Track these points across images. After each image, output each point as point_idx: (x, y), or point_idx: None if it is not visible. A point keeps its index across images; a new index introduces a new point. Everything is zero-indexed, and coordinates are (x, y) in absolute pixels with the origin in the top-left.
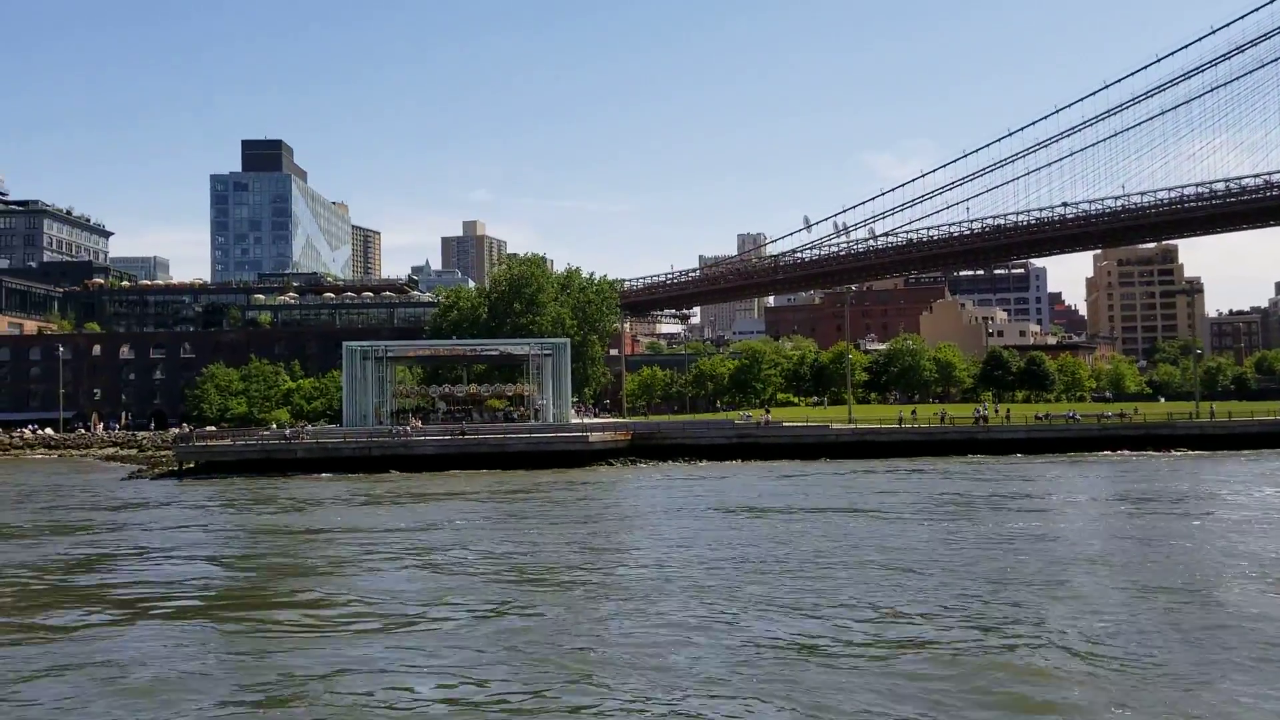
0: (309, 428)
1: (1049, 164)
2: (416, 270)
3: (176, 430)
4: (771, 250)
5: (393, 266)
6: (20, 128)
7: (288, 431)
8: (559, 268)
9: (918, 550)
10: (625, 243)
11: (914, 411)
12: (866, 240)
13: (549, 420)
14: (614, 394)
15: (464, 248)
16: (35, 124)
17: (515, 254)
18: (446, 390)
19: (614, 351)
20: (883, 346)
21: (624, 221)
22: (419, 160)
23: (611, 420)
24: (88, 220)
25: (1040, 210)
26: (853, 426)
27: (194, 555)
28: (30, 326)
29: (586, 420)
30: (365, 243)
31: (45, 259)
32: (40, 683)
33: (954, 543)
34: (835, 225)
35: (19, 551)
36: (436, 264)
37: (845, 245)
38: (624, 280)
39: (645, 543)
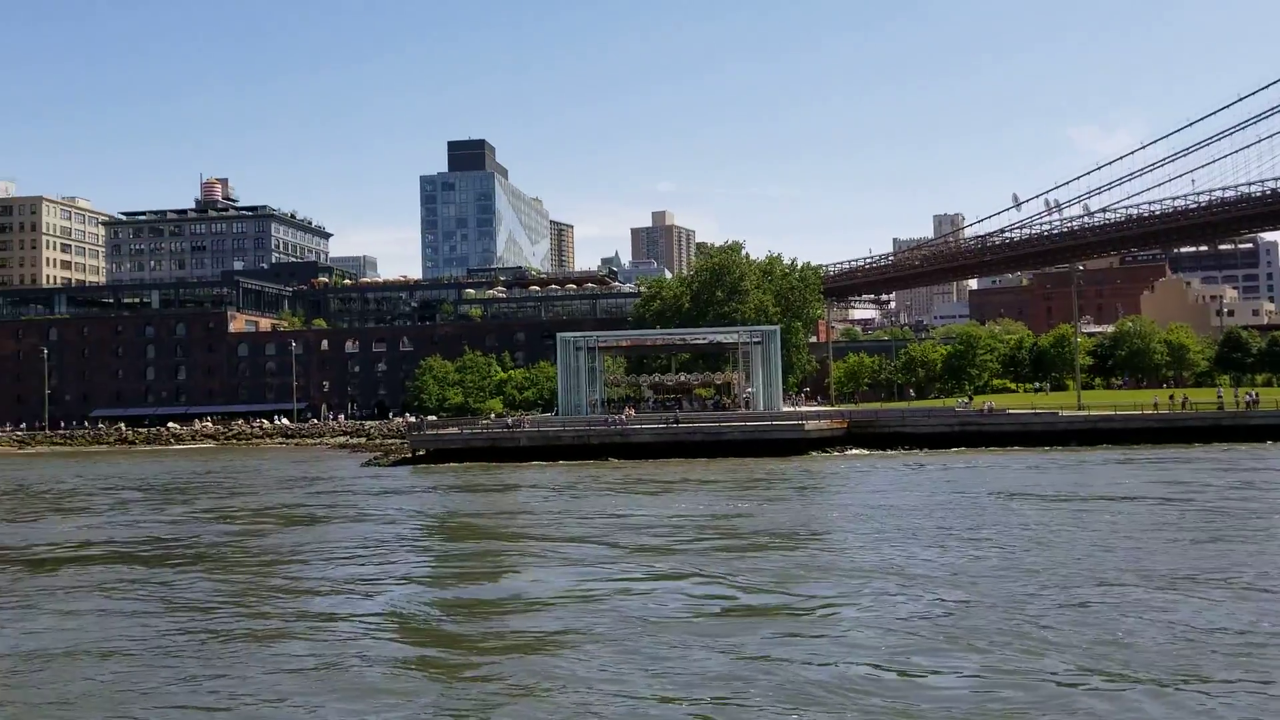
0: (528, 417)
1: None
2: (606, 261)
3: (400, 420)
4: (970, 231)
5: (585, 259)
6: (247, 138)
7: (510, 420)
8: (752, 256)
9: None
10: (813, 228)
11: (1171, 397)
12: (1080, 217)
13: (758, 408)
14: (816, 381)
15: (653, 238)
16: (261, 134)
17: (704, 243)
18: (657, 379)
19: (811, 338)
20: (1107, 329)
21: (811, 207)
22: (605, 153)
23: (824, 408)
24: (310, 223)
25: (1277, 179)
26: (1084, 413)
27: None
28: (265, 324)
29: (801, 408)
30: (559, 236)
31: (273, 260)
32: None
33: None
34: (1046, 203)
35: (340, 531)
36: (626, 255)
37: (1058, 223)
38: (821, 266)
39: (990, 526)
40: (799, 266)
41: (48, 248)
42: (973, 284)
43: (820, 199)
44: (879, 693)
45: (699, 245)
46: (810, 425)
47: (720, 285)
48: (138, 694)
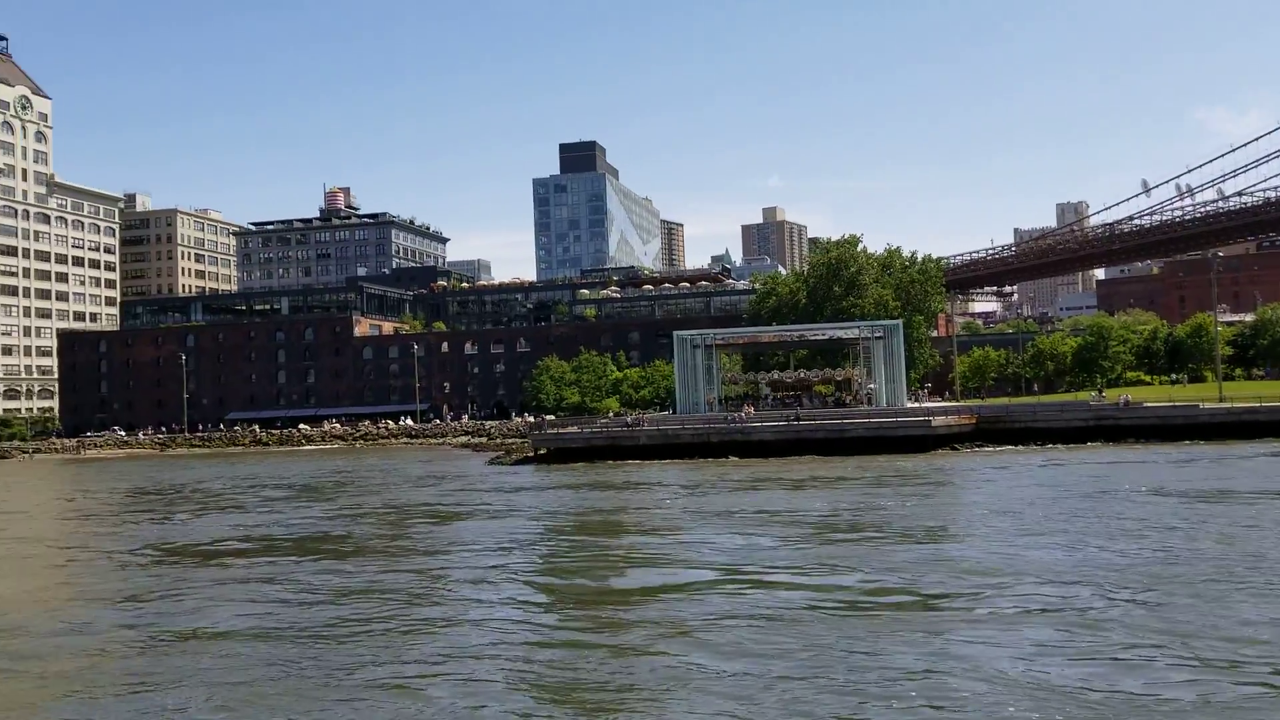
0: (646, 415)
1: None
2: (716, 259)
3: (519, 420)
4: (1096, 219)
5: (695, 257)
6: (367, 147)
7: (629, 419)
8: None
9: None
10: (929, 222)
11: None
12: (1214, 202)
13: (881, 404)
14: (939, 377)
15: (764, 234)
16: (380, 142)
17: (816, 238)
18: (775, 376)
19: (931, 333)
20: (1245, 317)
21: (925, 198)
22: (712, 151)
23: (950, 404)
24: (428, 228)
25: None
26: (1226, 405)
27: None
28: (387, 328)
29: (925, 404)
30: (669, 235)
31: (394, 265)
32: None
33: None
34: (1177, 188)
35: (490, 526)
36: (736, 252)
37: (1190, 208)
38: (943, 258)
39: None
40: (919, 259)
41: (183, 258)
42: (1099, 274)
43: (935, 191)
44: (1087, 694)
45: (812, 240)
46: (938, 421)
47: (838, 280)
48: (324, 674)
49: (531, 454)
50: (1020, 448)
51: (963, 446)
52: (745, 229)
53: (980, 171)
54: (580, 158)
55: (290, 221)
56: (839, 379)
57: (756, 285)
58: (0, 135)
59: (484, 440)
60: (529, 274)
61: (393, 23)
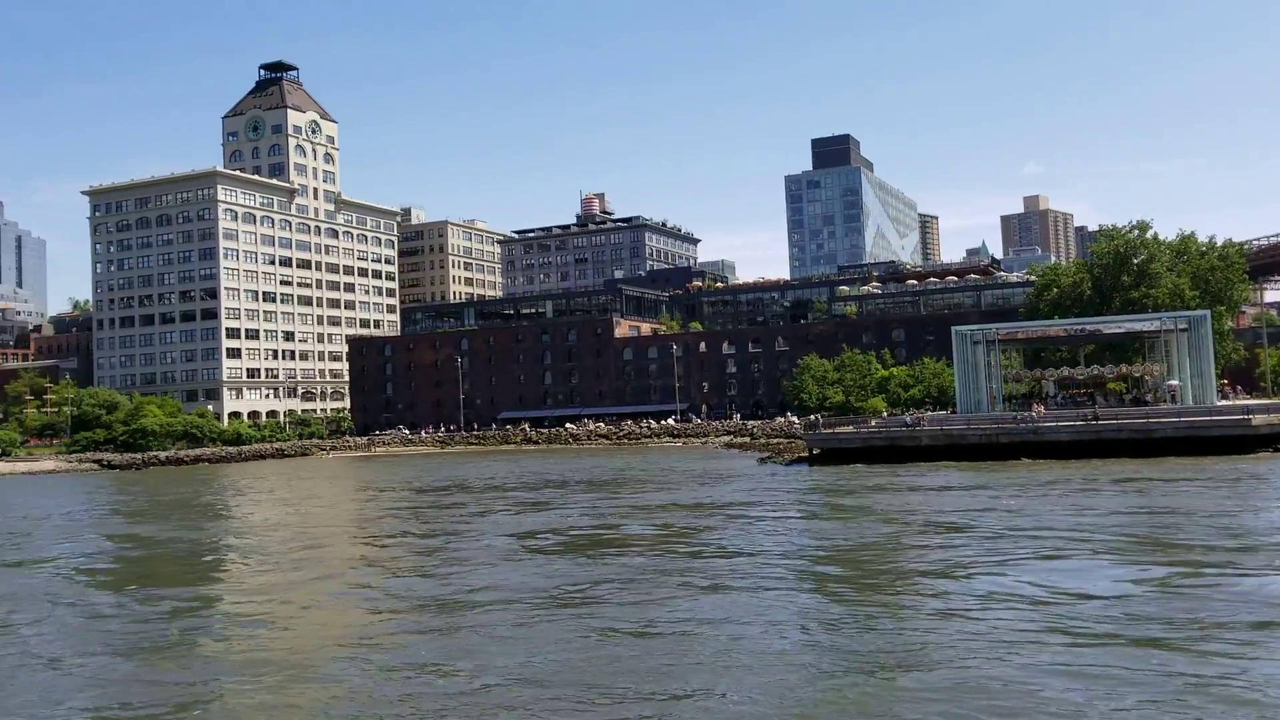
0: (926, 415)
1: None
2: (971, 252)
3: (781, 419)
4: None
5: (950, 250)
6: (620, 153)
7: (908, 419)
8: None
9: None
10: (1209, 204)
11: None
12: None
13: (1186, 402)
14: (1243, 372)
15: (1026, 224)
16: (633, 147)
17: (1084, 226)
18: (1065, 373)
19: (1228, 324)
20: None
21: (1203, 180)
22: (964, 140)
23: (1267, 401)
24: (679, 230)
25: None
26: None
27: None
28: (645, 329)
29: (1238, 401)
30: (923, 228)
31: (649, 268)
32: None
33: None
34: None
35: (823, 526)
36: (994, 244)
37: None
38: (1245, 242)
39: None
40: (1218, 244)
41: (453, 266)
42: None
43: (1213, 171)
44: None
45: (1079, 229)
46: (1259, 420)
47: (1125, 269)
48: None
49: (805, 454)
50: None
51: None
52: (1005, 219)
53: (1267, 147)
54: (833, 152)
55: (549, 228)
56: (1139, 374)
57: (1032, 277)
58: (294, 158)
59: (747, 440)
60: (775, 273)
61: (639, 29)
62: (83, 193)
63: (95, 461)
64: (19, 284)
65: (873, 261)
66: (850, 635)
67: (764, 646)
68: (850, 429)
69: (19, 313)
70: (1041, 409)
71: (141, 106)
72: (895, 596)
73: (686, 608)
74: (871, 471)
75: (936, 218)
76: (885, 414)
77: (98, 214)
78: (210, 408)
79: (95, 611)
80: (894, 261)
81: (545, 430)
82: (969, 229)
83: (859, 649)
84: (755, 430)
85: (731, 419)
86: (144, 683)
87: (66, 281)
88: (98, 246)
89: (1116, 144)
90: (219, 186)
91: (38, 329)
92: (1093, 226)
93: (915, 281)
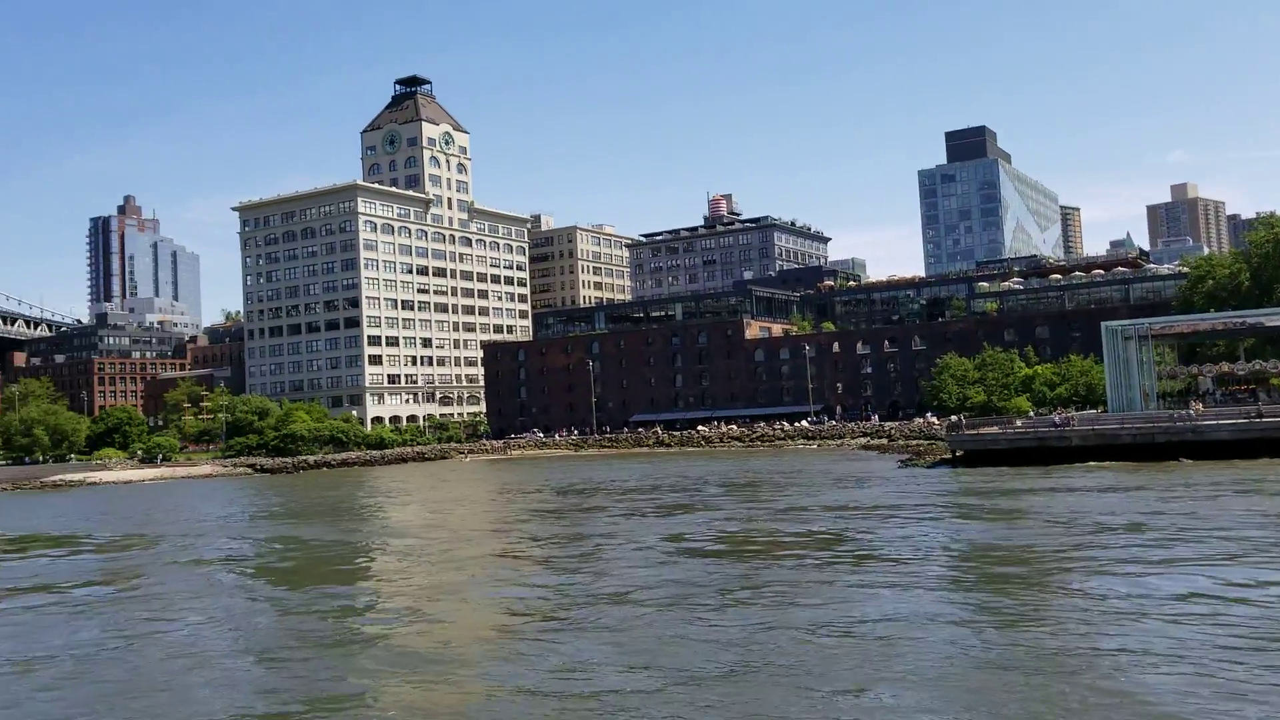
0: (1074, 414)
1: None
2: (1115, 245)
3: (920, 420)
4: None
5: (1092, 243)
6: (746, 153)
7: (1056, 418)
8: None
9: None
10: None
11: None
12: None
13: None
14: None
15: (1173, 214)
16: (759, 147)
17: (1236, 214)
18: (1225, 368)
19: None
20: None
21: None
22: (1105, 129)
23: None
24: (809, 229)
25: None
26: None
27: None
28: (776, 330)
29: None
30: (1065, 220)
31: (778, 268)
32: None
33: None
34: None
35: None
36: (1138, 235)
37: None
38: None
39: None
40: None
41: (583, 270)
42: None
43: None
44: None
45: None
46: None
47: None
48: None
49: (948, 456)
50: None
51: None
52: (1151, 209)
53: None
54: (968, 145)
55: (677, 231)
56: None
57: (1184, 269)
58: (429, 169)
59: (885, 441)
60: (909, 270)
61: (763, 28)
62: (233, 209)
63: (249, 466)
64: (175, 297)
65: (1013, 256)
66: (1034, 636)
67: (939, 649)
68: (995, 430)
69: (176, 325)
70: (1200, 406)
71: (286, 123)
72: (1077, 599)
73: (854, 609)
74: (1020, 473)
75: (1078, 210)
76: (1032, 414)
77: (247, 229)
78: (354, 413)
79: (258, 609)
80: (1035, 256)
81: (677, 433)
82: (1112, 220)
83: (1040, 650)
84: (893, 431)
85: (869, 420)
86: (303, 678)
87: (219, 294)
88: (247, 260)
89: (1269, 127)
90: (359, 199)
91: (193, 340)
92: (1247, 214)
93: (1059, 276)
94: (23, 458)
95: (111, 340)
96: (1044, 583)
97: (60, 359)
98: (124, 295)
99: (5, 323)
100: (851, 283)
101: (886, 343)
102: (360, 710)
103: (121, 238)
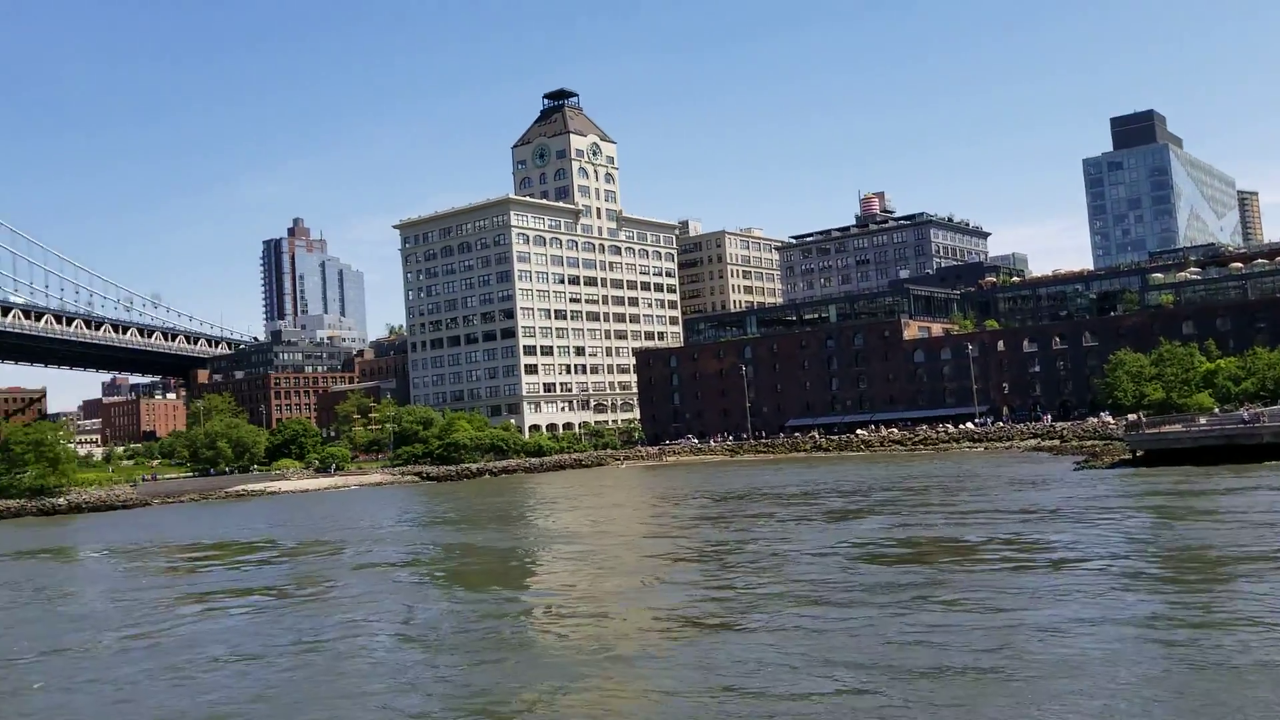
0: (1265, 410)
1: None
2: None
3: (1093, 420)
4: None
5: (1273, 228)
6: (898, 150)
7: (1245, 414)
8: None
9: None
10: None
11: None
12: None
13: None
14: None
15: None
16: (911, 143)
17: None
18: None
19: None
20: None
21: None
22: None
23: None
24: (967, 224)
25: None
26: None
27: None
28: (936, 329)
29: None
30: (1242, 205)
31: (935, 265)
32: None
33: None
34: None
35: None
36: None
37: None
38: None
39: None
40: None
41: (732, 275)
42: None
43: None
44: None
45: None
46: None
47: None
48: None
49: (1127, 456)
50: None
51: None
52: None
53: None
54: (1135, 130)
55: (828, 231)
56: None
57: None
58: (578, 180)
59: (1056, 443)
60: (1074, 264)
61: (912, 16)
62: (394, 226)
63: (416, 474)
64: (342, 313)
65: (1188, 245)
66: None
67: (1152, 653)
68: (1179, 428)
69: (344, 339)
70: None
71: (441, 141)
72: None
73: (1062, 609)
74: (1209, 473)
75: (1256, 194)
76: (1215, 411)
77: (407, 245)
78: (512, 421)
79: (440, 610)
80: (1212, 244)
81: (835, 437)
82: None
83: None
84: (1064, 432)
85: (1041, 421)
86: (491, 678)
87: (383, 309)
88: (408, 275)
89: None
90: (511, 212)
91: (360, 354)
92: None
93: (1239, 265)
94: (208, 469)
95: (286, 356)
96: (1257, 586)
97: (239, 375)
98: (295, 313)
99: (190, 342)
100: (1014, 278)
101: (1055, 339)
102: (549, 711)
103: (292, 258)
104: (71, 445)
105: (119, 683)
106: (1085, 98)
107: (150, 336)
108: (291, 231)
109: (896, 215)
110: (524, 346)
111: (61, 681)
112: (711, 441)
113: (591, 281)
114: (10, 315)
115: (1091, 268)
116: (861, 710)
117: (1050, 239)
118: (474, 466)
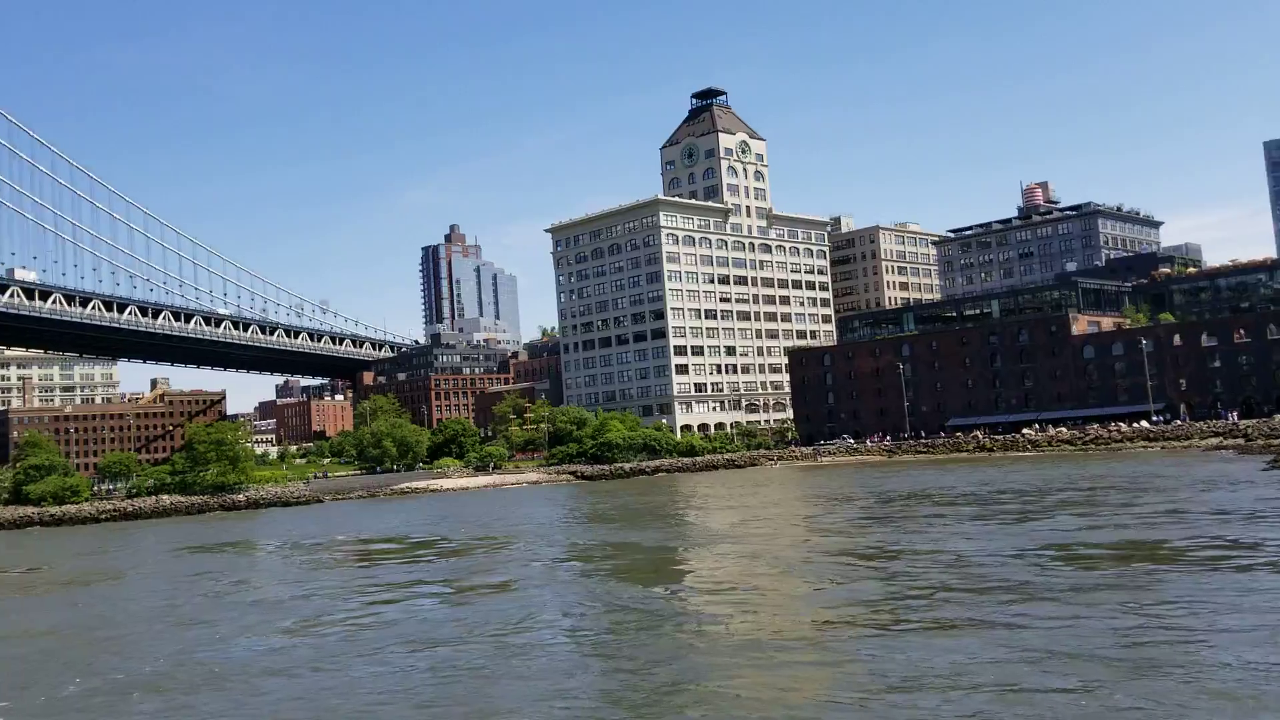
0: None
1: None
2: None
3: None
4: None
5: None
6: (1062, 139)
7: None
8: None
9: None
10: None
11: None
12: None
13: None
14: None
15: None
16: (1076, 130)
17: None
18: None
19: None
20: None
21: None
22: None
23: None
24: (1137, 213)
25: None
26: None
27: None
28: (1106, 323)
29: None
30: None
31: (1104, 257)
32: None
33: None
34: None
35: None
36: None
37: None
38: None
39: None
40: None
41: (886, 271)
42: None
43: None
44: None
45: None
46: None
47: None
48: None
49: None
50: None
51: None
52: None
53: None
54: None
55: (989, 224)
56: None
57: None
58: (727, 179)
59: (1241, 442)
60: (1255, 253)
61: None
62: (545, 230)
63: (571, 473)
64: (497, 316)
65: None
66: None
67: None
68: None
69: (499, 342)
70: None
71: (590, 145)
72: None
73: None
74: None
75: None
76: None
77: (559, 248)
78: (664, 421)
79: (609, 604)
80: None
81: (999, 437)
82: None
83: None
84: (1249, 430)
85: (1227, 418)
86: (639, 662)
87: (536, 311)
88: (560, 278)
89: None
90: (660, 213)
91: (515, 355)
92: None
93: None
94: (374, 467)
95: (445, 358)
96: None
97: (401, 376)
98: (453, 316)
99: (355, 345)
100: (1190, 269)
101: (1238, 333)
102: (724, 703)
103: (449, 264)
104: (249, 444)
105: (350, 671)
106: (1266, 76)
107: (319, 341)
108: (448, 238)
109: (1061, 205)
110: (675, 346)
111: (330, 664)
112: (868, 442)
113: (742, 280)
114: (193, 322)
115: (1275, 256)
116: (1092, 712)
117: (1228, 226)
118: (627, 466)
